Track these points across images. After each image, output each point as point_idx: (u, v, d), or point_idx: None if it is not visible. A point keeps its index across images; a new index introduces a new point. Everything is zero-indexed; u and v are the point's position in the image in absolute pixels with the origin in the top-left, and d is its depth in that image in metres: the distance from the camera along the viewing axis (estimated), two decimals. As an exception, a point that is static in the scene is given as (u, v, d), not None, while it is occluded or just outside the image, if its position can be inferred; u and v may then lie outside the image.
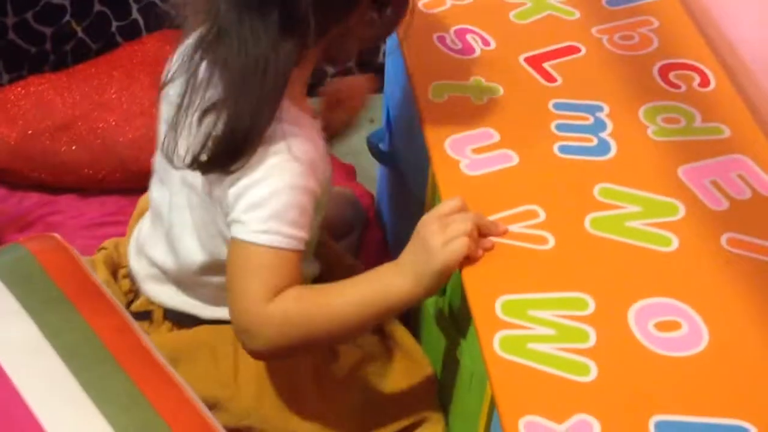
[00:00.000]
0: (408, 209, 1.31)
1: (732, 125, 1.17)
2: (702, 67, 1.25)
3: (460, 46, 1.26)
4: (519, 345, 0.90)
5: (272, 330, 0.95)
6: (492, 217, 1.03)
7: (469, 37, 1.28)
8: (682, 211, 1.05)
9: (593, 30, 1.31)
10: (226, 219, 1.00)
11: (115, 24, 1.81)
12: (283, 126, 0.97)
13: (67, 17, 1.77)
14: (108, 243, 1.27)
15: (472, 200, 1.04)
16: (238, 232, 0.97)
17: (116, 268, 1.22)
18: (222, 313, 1.09)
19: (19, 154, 1.55)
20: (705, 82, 1.23)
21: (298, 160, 0.97)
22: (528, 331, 0.92)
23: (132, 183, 1.52)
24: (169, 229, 1.11)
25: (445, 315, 1.12)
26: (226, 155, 0.95)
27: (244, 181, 0.97)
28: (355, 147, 1.50)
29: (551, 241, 1.01)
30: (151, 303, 1.16)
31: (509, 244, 1.00)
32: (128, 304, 1.18)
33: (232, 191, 0.98)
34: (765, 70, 1.22)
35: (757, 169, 1.11)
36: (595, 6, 1.35)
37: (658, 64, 1.26)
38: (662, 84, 1.23)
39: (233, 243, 0.98)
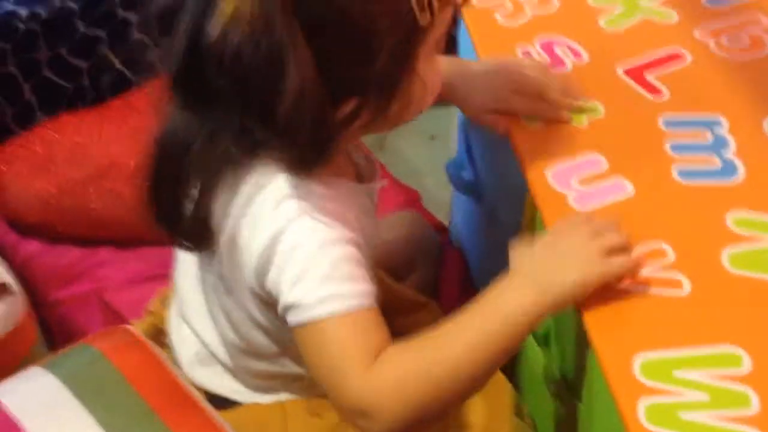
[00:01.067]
0: (497, 247, 1.17)
1: None
2: (826, 69, 1.10)
3: (548, 60, 1.12)
4: (669, 414, 0.76)
5: (391, 400, 0.78)
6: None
7: (557, 49, 1.14)
8: (833, 241, 0.90)
9: (695, 33, 1.16)
10: (259, 303, 0.87)
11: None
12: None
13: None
14: (154, 304, 1.12)
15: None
16: (295, 317, 0.81)
17: (159, 336, 1.07)
18: (266, 399, 0.97)
19: (52, 207, 1.42)
20: (833, 85, 1.08)
21: (322, 214, 0.82)
22: (677, 398, 0.77)
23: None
24: (201, 304, 0.97)
25: (554, 374, 0.96)
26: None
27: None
28: (416, 166, 1.33)
29: (687, 285, 0.86)
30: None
31: (640, 292, 0.86)
32: None
33: (267, 277, 0.83)
34: None
35: None
36: (694, 6, 1.20)
37: (775, 67, 1.11)
38: (784, 90, 1.08)
39: (297, 334, 0.82)
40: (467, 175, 1.17)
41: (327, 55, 0.75)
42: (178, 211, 0.85)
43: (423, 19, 0.77)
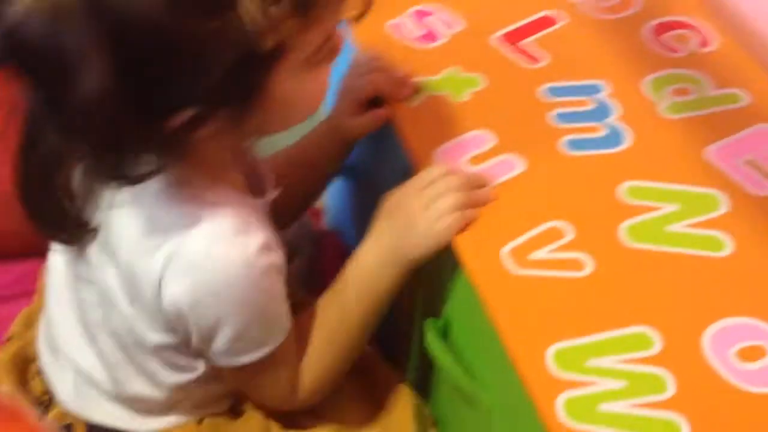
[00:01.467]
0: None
1: (750, 89, 1.02)
2: (696, 23, 1.10)
3: (421, 32, 1.07)
4: (589, 408, 0.74)
5: (317, 394, 0.92)
6: (511, 244, 0.85)
7: (429, 19, 1.09)
8: (724, 202, 0.89)
9: (565, -7, 1.13)
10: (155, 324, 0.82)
11: None
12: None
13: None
14: (16, 328, 1.02)
15: (482, 224, 0.86)
16: (227, 361, 0.85)
17: (27, 364, 0.98)
18: (154, 425, 0.91)
19: None
20: (704, 41, 1.08)
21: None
22: (594, 388, 0.75)
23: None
24: (75, 323, 0.90)
25: (455, 370, 0.92)
26: None
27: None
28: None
29: (589, 265, 0.84)
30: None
31: (540, 275, 0.83)
32: (45, 408, 0.95)
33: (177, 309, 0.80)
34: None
35: (791, 139, 0.96)
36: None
37: (648, 26, 1.10)
38: (659, 49, 1.07)
39: (225, 368, 0.86)
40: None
41: (142, 64, 0.67)
42: (53, 207, 0.81)
43: (266, 41, 0.70)
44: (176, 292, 0.77)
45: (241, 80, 0.71)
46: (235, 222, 0.78)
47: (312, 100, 0.81)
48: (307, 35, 0.74)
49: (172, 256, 0.77)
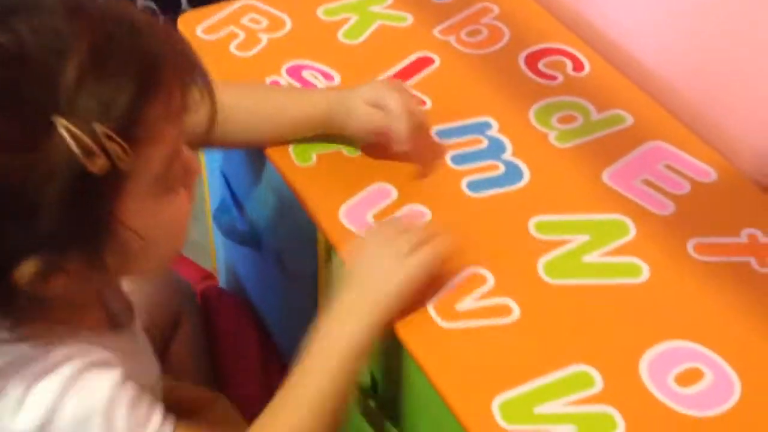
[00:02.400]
0: (289, 295, 1.09)
1: (630, 109, 1.04)
2: (567, 48, 1.12)
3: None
4: (545, 459, 0.72)
5: None
6: (435, 298, 0.83)
7: (305, 74, 1.07)
8: (632, 227, 0.90)
9: (435, 32, 1.13)
10: None
11: None
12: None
13: None
14: None
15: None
16: None
17: None
18: None
19: None
20: (579, 65, 1.09)
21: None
22: (547, 437, 0.73)
23: None
24: None
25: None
26: None
27: None
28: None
29: (515, 309, 0.83)
30: None
31: (471, 327, 0.81)
32: None
33: None
34: (638, 43, 1.09)
35: (679, 153, 0.98)
36: (424, 4, 1.17)
37: (522, 56, 1.10)
38: (536, 78, 1.08)
39: None
40: (240, 225, 1.08)
41: None
42: None
43: (95, 166, 0.63)
44: None
45: (80, 213, 0.64)
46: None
47: (173, 229, 0.74)
48: (146, 158, 0.67)
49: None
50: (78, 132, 0.62)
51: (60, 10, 0.65)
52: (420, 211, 0.91)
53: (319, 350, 0.80)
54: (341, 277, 0.83)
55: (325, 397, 0.78)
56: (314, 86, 1.04)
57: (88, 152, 0.63)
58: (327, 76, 1.06)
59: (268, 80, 1.05)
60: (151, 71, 0.67)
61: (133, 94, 0.65)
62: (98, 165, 0.63)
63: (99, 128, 0.63)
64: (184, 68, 0.70)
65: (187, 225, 0.75)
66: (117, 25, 0.66)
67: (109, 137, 0.63)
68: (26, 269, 0.65)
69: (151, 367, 0.84)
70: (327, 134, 0.96)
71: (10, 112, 0.62)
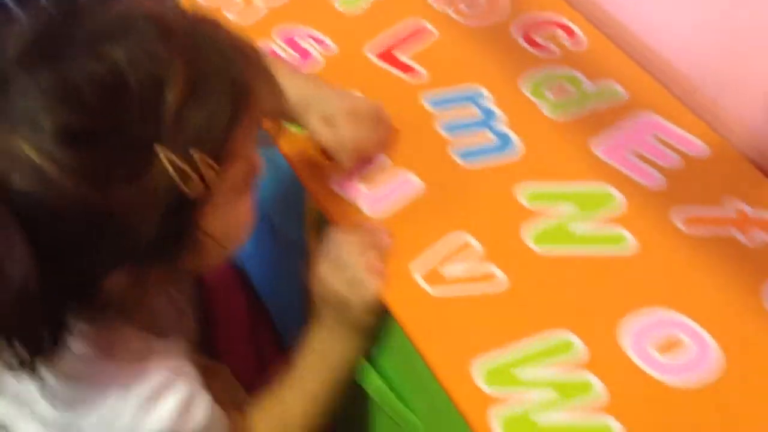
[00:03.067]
0: (280, 258, 1.10)
1: (623, 81, 1.04)
2: (563, 20, 1.11)
3: (296, 55, 1.05)
4: (523, 421, 0.74)
5: None
6: (422, 264, 0.84)
7: (300, 41, 1.07)
8: (620, 198, 0.91)
9: (431, 2, 1.13)
10: None
11: None
12: None
13: None
14: None
15: (392, 250, 0.85)
16: None
17: None
18: None
19: None
20: (574, 37, 1.10)
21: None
22: (526, 401, 0.75)
23: None
24: None
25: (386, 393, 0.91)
26: None
27: None
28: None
29: (501, 276, 0.84)
30: None
31: (455, 292, 0.82)
32: None
33: None
34: (633, 16, 1.09)
35: (670, 126, 0.99)
36: (424, -27, 1.17)
37: (518, 27, 1.10)
38: (531, 50, 1.08)
39: None
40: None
41: (69, 240, 0.63)
42: None
43: (192, 190, 0.66)
44: None
45: (173, 231, 0.67)
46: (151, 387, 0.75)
47: (242, 228, 0.77)
48: (230, 173, 0.69)
49: None
50: (177, 161, 0.64)
51: (153, 33, 0.65)
52: (409, 180, 0.92)
53: (315, 364, 0.87)
54: (315, 297, 0.86)
55: (318, 398, 0.87)
56: (306, 52, 1.05)
57: (185, 178, 0.65)
58: (322, 44, 1.07)
59: (259, 45, 1.05)
60: (241, 95, 0.68)
61: (228, 120, 0.67)
62: (194, 189, 0.66)
63: (196, 155, 0.65)
64: (265, 86, 0.72)
65: (253, 220, 0.77)
66: (208, 47, 0.67)
67: (205, 162, 0.65)
68: (116, 279, 0.67)
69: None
70: None
71: (114, 145, 0.63)
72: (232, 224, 0.74)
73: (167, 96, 0.63)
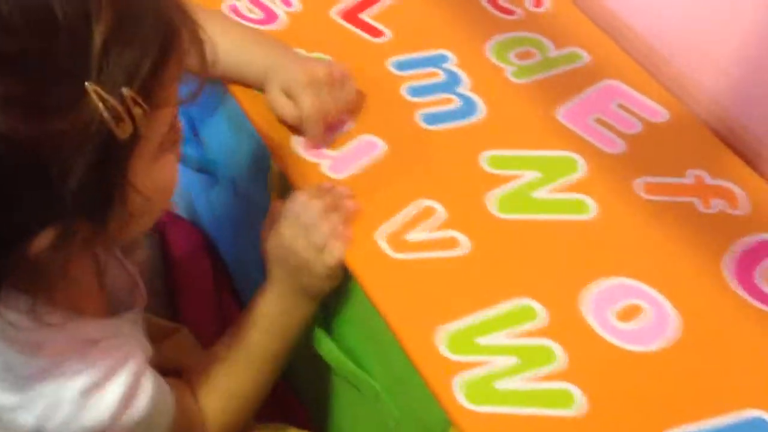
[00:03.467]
0: (242, 220, 1.10)
1: (587, 47, 1.04)
2: (528, -17, 1.11)
3: (261, 15, 1.04)
4: (485, 388, 0.74)
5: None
6: (385, 228, 0.84)
7: (265, 1, 1.06)
8: (582, 164, 0.92)
9: (396, -39, 1.12)
10: None
11: None
12: None
13: None
14: None
15: (354, 214, 0.85)
16: None
17: None
18: None
19: None
20: (538, 1, 1.09)
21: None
22: (488, 367, 0.76)
23: None
24: None
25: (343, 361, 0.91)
26: None
27: None
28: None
29: (464, 242, 0.84)
30: None
31: (418, 258, 0.82)
32: None
33: None
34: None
35: (633, 93, 0.99)
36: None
37: (483, -10, 1.10)
38: (495, 12, 1.08)
39: None
40: (195, 151, 1.08)
41: None
42: None
43: (122, 131, 0.63)
44: None
45: (101, 179, 0.64)
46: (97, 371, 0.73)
47: (168, 188, 0.74)
48: (157, 119, 0.67)
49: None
50: (108, 97, 0.62)
51: None
52: (372, 143, 0.91)
53: (264, 326, 0.87)
54: (269, 257, 0.86)
55: (267, 363, 0.88)
56: (271, 12, 1.04)
57: (117, 117, 0.62)
58: (286, 2, 1.06)
59: (226, 5, 1.04)
60: (169, 35, 0.66)
61: (156, 59, 0.64)
62: (125, 130, 0.63)
63: (127, 93, 0.62)
64: (189, 26, 0.69)
65: (175, 188, 0.75)
66: None
67: (135, 101, 0.63)
68: (43, 239, 0.64)
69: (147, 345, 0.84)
70: None
71: (44, 80, 0.60)
72: (158, 183, 0.71)
73: (95, 29, 0.61)
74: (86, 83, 0.61)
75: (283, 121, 0.91)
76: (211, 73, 0.83)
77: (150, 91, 0.64)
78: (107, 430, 0.74)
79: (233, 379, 0.87)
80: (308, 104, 0.88)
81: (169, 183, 0.73)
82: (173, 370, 0.87)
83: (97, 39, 0.62)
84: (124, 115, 0.62)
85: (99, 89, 0.61)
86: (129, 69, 0.63)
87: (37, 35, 0.60)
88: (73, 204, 0.63)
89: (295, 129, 0.91)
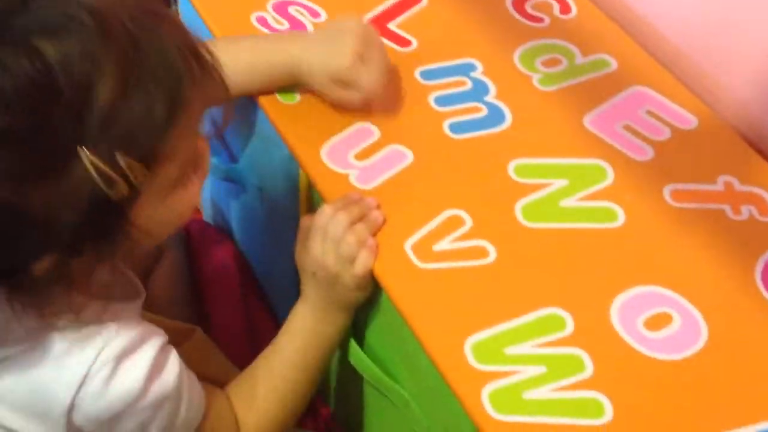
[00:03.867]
0: (271, 229, 1.10)
1: (615, 54, 1.04)
2: (555, -10, 1.11)
3: (287, 25, 1.05)
4: (513, 397, 0.74)
5: None
6: (413, 238, 0.84)
7: (292, 10, 1.07)
8: (610, 172, 0.91)
9: (424, -29, 1.12)
10: None
11: None
12: None
13: None
14: None
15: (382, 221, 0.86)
16: None
17: None
18: None
19: None
20: (566, 8, 1.09)
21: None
22: (516, 377, 0.76)
23: None
24: None
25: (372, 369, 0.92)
26: None
27: None
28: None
29: (492, 251, 0.84)
30: None
31: (445, 267, 0.83)
32: None
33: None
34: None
35: (662, 99, 0.99)
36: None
37: (510, -2, 1.10)
38: (523, 20, 1.08)
39: None
40: (224, 162, 1.08)
41: None
42: None
43: (115, 193, 0.64)
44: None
45: (98, 228, 0.65)
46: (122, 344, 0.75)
47: (182, 216, 0.75)
48: (165, 171, 0.68)
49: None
50: (101, 164, 0.62)
51: (92, 30, 0.62)
52: (400, 153, 0.92)
53: (297, 343, 0.88)
54: (302, 273, 0.87)
55: (304, 379, 0.89)
56: (299, 23, 1.04)
57: (109, 182, 0.63)
58: (313, 13, 1.06)
59: (254, 16, 1.05)
60: (176, 92, 0.65)
61: (162, 122, 0.64)
62: (119, 191, 0.64)
63: (122, 159, 0.63)
64: (210, 81, 0.69)
65: (194, 206, 0.77)
66: (149, 46, 0.64)
67: (132, 165, 0.63)
68: (43, 265, 0.66)
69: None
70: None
71: (36, 143, 0.61)
72: (173, 212, 0.72)
73: (96, 97, 0.61)
74: (78, 148, 0.61)
75: (347, 106, 0.92)
76: (234, 94, 0.83)
77: (152, 151, 0.65)
78: (137, 405, 0.75)
79: (272, 396, 0.88)
80: (368, 83, 0.89)
81: (185, 209, 0.74)
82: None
83: (98, 106, 0.61)
84: (117, 179, 0.63)
85: (91, 156, 0.62)
86: (129, 134, 0.63)
87: (33, 109, 0.60)
88: (71, 244, 0.65)
89: (323, 138, 0.92)
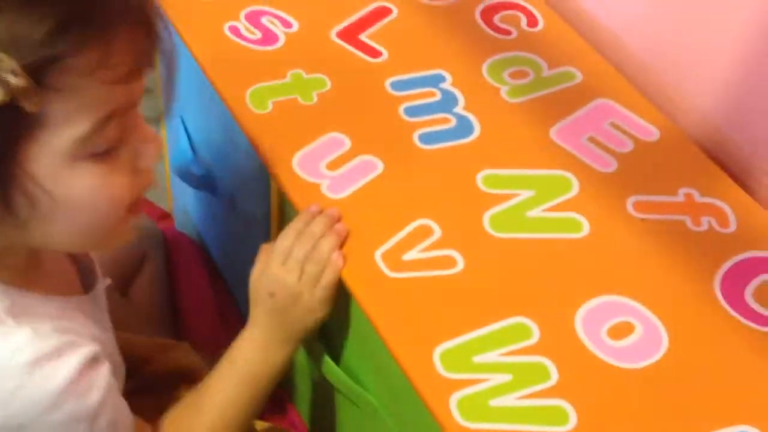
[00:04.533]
0: (240, 236, 1.12)
1: (580, 66, 1.06)
2: (522, 3, 1.13)
3: (259, 35, 1.06)
4: (480, 405, 0.76)
5: None
6: (383, 248, 0.86)
7: (264, 20, 1.08)
8: (575, 184, 0.94)
9: (395, -18, 1.14)
10: None
11: None
12: None
13: None
14: None
15: (352, 232, 0.87)
16: None
17: None
18: None
19: None
20: (533, 21, 1.12)
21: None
22: (483, 385, 0.77)
23: None
24: None
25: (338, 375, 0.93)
26: None
27: None
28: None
29: (460, 261, 0.86)
30: None
31: (415, 276, 0.84)
32: None
33: None
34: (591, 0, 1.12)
35: (625, 112, 1.01)
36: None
37: (478, 9, 1.12)
38: (491, 32, 1.10)
39: None
40: (196, 169, 1.10)
41: None
42: None
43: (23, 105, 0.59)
44: None
45: None
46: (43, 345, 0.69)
47: (96, 201, 0.67)
48: (65, 110, 0.62)
49: None
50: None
51: None
52: (371, 163, 0.93)
53: (241, 374, 0.86)
54: (256, 297, 0.86)
55: (239, 410, 0.86)
56: (271, 33, 1.05)
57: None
58: (285, 23, 1.08)
59: (226, 26, 1.06)
60: (86, 15, 0.61)
61: (53, 33, 0.60)
62: (26, 104, 0.59)
63: (5, 60, 0.58)
64: (140, 28, 0.65)
65: (120, 205, 0.69)
66: None
67: (14, 72, 0.59)
68: None
69: (110, 328, 0.85)
70: None
71: None
72: (82, 192, 0.66)
73: None
74: None
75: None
76: None
77: (43, 69, 0.60)
78: (46, 419, 0.69)
79: (194, 423, 0.85)
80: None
81: (101, 196, 0.67)
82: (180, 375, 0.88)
83: None
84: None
85: None
86: (15, 37, 0.59)
87: None
88: None
89: (295, 147, 0.93)
